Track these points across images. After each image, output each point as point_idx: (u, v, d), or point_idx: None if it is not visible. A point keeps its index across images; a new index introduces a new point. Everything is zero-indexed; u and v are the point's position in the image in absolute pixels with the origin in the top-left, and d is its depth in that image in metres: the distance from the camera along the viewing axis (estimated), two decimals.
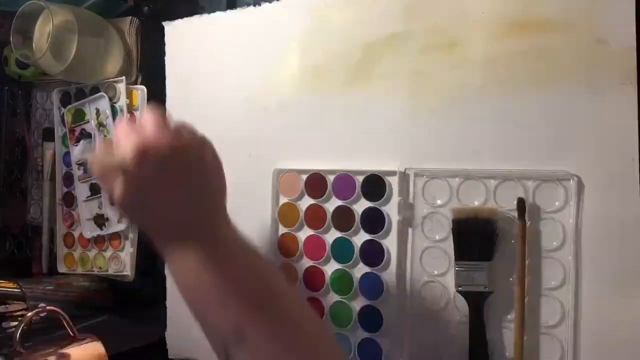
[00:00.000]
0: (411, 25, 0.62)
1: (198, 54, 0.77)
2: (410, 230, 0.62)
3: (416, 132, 0.62)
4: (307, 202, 0.68)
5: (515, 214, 0.56)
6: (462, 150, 0.59)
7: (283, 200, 0.69)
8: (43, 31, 0.76)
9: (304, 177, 0.68)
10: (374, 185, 0.63)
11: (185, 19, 0.78)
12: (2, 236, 0.97)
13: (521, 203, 0.55)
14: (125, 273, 0.81)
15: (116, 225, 0.82)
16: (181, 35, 0.78)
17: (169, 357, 0.80)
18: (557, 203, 0.55)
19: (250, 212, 0.70)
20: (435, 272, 0.61)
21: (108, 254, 0.83)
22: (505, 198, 0.57)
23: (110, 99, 0.82)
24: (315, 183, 0.67)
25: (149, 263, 0.81)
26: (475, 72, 0.59)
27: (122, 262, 0.82)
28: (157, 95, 0.81)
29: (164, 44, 0.79)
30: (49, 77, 0.90)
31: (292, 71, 0.70)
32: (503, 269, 0.57)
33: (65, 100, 0.87)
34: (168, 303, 0.79)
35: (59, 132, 0.88)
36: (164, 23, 0.79)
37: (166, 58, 0.79)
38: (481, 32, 0.59)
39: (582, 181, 0.54)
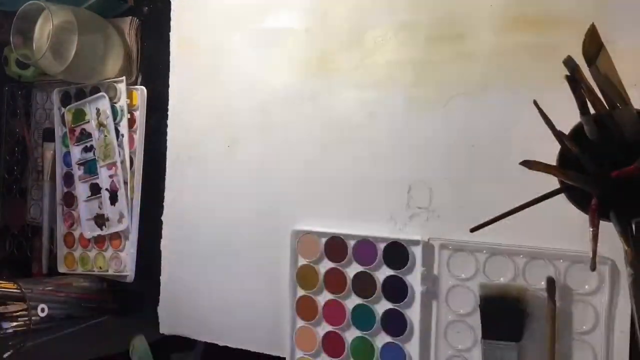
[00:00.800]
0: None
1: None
2: (434, 302, 0.60)
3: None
4: (326, 265, 0.66)
5: (545, 292, 0.54)
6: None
7: (302, 262, 0.68)
8: (43, 31, 0.76)
9: (324, 240, 0.66)
10: (396, 253, 0.62)
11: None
12: (2, 236, 0.97)
13: (551, 284, 0.53)
14: (125, 273, 0.81)
15: (116, 225, 0.82)
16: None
17: (160, 332, 0.79)
18: (586, 287, 0.54)
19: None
20: (460, 347, 0.59)
21: (108, 254, 0.83)
22: (535, 276, 0.55)
23: (111, 99, 0.82)
24: (335, 247, 0.66)
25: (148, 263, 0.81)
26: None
27: (123, 262, 0.81)
28: (157, 96, 0.81)
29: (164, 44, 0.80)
30: (49, 78, 0.90)
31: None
32: (533, 349, 0.54)
33: (65, 100, 0.87)
34: (162, 278, 0.79)
35: (59, 132, 0.88)
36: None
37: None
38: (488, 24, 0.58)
39: (617, 266, 0.52)
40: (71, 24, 0.74)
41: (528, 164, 0.40)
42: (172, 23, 0.79)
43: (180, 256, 0.78)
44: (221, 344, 0.75)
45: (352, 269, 0.65)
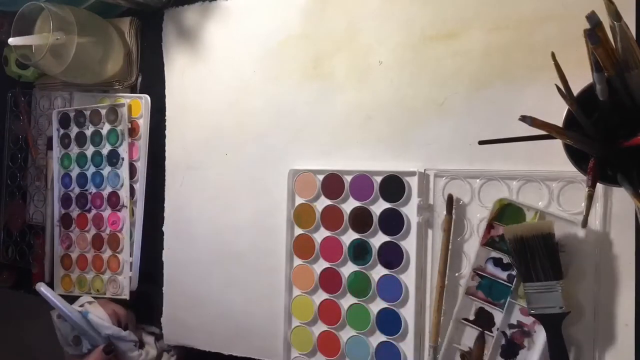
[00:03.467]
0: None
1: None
2: (430, 232, 0.59)
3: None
4: (323, 202, 0.65)
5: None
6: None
7: (299, 200, 0.67)
8: (43, 32, 0.75)
9: (321, 177, 0.65)
10: (393, 186, 0.61)
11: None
12: (4, 242, 0.96)
13: (450, 199, 0.55)
14: (123, 297, 0.79)
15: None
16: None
17: (165, 343, 0.78)
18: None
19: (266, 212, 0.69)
20: (456, 274, 0.58)
21: (106, 277, 0.81)
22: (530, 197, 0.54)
23: (111, 122, 0.80)
24: (332, 184, 0.65)
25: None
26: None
27: (120, 285, 0.79)
28: (157, 95, 0.79)
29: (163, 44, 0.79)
30: (49, 78, 0.88)
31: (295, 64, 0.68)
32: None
33: (64, 122, 0.85)
34: (165, 289, 0.78)
35: (58, 153, 0.86)
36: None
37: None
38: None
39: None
40: (71, 25, 0.73)
41: (528, 120, 0.39)
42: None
43: (182, 266, 0.77)
44: (226, 353, 0.73)
45: (349, 205, 0.64)
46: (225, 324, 0.73)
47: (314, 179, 0.66)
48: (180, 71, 0.78)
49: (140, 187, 0.79)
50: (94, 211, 0.82)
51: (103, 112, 0.81)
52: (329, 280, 0.65)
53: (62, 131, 0.86)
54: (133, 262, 0.79)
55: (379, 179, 0.62)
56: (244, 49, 0.72)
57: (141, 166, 0.79)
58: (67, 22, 0.72)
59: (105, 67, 0.79)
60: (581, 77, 0.50)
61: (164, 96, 0.79)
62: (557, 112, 0.52)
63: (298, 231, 0.67)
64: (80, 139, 0.84)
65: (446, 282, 0.57)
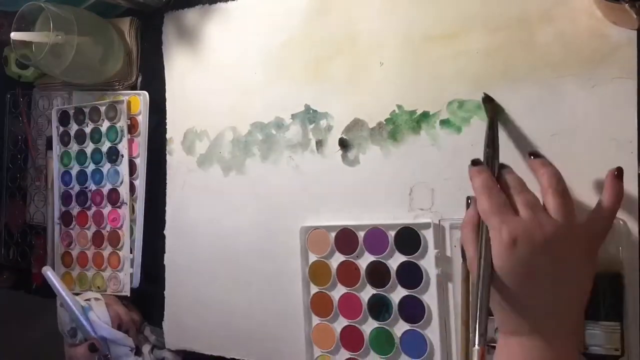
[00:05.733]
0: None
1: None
2: (450, 285, 0.58)
3: None
4: (338, 259, 0.65)
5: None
6: None
7: (313, 258, 0.67)
8: (43, 32, 0.76)
9: (333, 233, 0.65)
10: (408, 239, 0.60)
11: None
12: (5, 243, 0.96)
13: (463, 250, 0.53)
14: (124, 294, 0.80)
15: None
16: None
17: (166, 347, 0.78)
18: None
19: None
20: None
21: (107, 274, 0.82)
22: None
23: (110, 119, 0.81)
24: (345, 239, 0.64)
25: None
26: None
27: (121, 282, 0.80)
28: (157, 96, 0.81)
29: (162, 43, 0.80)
30: (49, 78, 0.89)
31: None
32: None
33: (63, 120, 0.86)
34: (166, 292, 0.78)
35: (57, 150, 0.87)
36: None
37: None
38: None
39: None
40: (71, 25, 0.74)
41: None
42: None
43: (184, 269, 0.77)
44: (228, 356, 0.73)
45: (365, 260, 0.63)
46: (226, 326, 0.73)
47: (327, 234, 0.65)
48: (181, 73, 0.78)
49: (140, 183, 0.80)
50: (94, 208, 0.83)
51: (102, 109, 0.82)
52: (350, 338, 0.64)
53: (61, 129, 0.87)
54: (135, 259, 0.80)
55: (393, 232, 0.61)
56: (244, 51, 0.73)
57: (141, 163, 0.80)
58: (67, 22, 0.73)
59: (105, 67, 0.80)
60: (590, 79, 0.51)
61: (164, 97, 0.80)
62: (556, 113, 0.54)
63: (314, 289, 0.66)
64: (80, 137, 0.85)
65: (471, 333, 0.55)
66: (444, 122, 0.60)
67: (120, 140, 0.80)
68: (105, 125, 0.82)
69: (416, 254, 0.60)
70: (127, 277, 0.79)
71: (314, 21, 0.68)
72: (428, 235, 0.59)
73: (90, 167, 0.84)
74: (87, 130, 0.84)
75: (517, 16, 0.56)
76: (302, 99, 0.68)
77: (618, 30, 0.51)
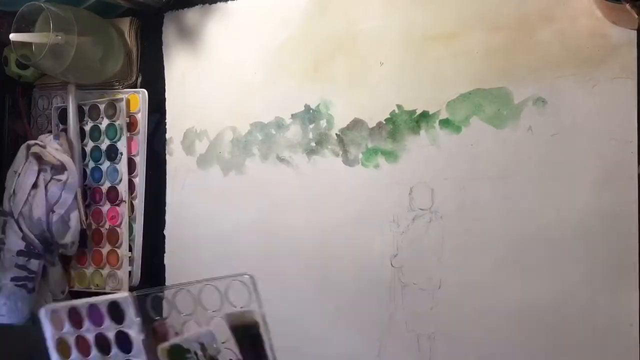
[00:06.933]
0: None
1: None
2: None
3: None
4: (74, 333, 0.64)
5: None
6: None
7: (57, 335, 0.65)
8: (43, 32, 0.76)
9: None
10: (116, 310, 0.61)
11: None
12: None
13: None
14: (122, 291, 0.79)
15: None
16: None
17: None
18: None
19: None
20: None
21: (105, 271, 0.81)
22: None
23: (110, 117, 0.81)
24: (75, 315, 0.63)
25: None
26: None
27: (120, 280, 0.80)
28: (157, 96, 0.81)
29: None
30: (49, 78, 0.89)
31: None
32: None
33: (63, 118, 0.86)
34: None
35: None
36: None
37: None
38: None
39: None
40: (71, 25, 0.74)
41: None
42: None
43: (184, 269, 0.77)
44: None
45: (91, 333, 0.63)
46: None
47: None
48: (181, 73, 0.79)
49: (139, 182, 0.80)
50: (93, 206, 0.83)
51: (102, 107, 0.82)
52: None
53: (61, 127, 0.86)
54: (134, 258, 0.80)
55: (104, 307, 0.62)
56: (244, 51, 0.73)
57: (140, 161, 0.79)
58: (67, 22, 0.73)
59: (105, 67, 0.80)
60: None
61: (164, 97, 0.80)
62: (557, 112, 0.54)
63: None
64: (79, 134, 0.84)
65: None
66: (444, 122, 0.60)
67: (120, 138, 0.80)
68: (104, 123, 0.82)
69: (124, 323, 0.60)
70: (125, 274, 0.79)
71: (314, 21, 0.68)
72: (128, 304, 0.60)
73: (90, 165, 0.83)
74: (87, 128, 0.84)
75: (517, 16, 0.56)
76: (302, 99, 0.69)
77: (618, 30, 0.52)
